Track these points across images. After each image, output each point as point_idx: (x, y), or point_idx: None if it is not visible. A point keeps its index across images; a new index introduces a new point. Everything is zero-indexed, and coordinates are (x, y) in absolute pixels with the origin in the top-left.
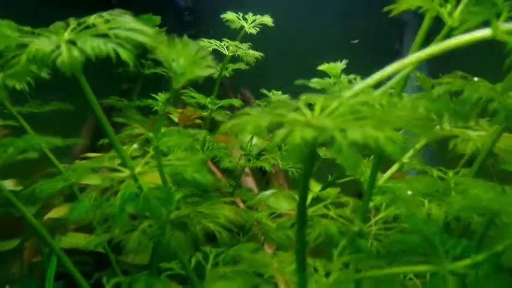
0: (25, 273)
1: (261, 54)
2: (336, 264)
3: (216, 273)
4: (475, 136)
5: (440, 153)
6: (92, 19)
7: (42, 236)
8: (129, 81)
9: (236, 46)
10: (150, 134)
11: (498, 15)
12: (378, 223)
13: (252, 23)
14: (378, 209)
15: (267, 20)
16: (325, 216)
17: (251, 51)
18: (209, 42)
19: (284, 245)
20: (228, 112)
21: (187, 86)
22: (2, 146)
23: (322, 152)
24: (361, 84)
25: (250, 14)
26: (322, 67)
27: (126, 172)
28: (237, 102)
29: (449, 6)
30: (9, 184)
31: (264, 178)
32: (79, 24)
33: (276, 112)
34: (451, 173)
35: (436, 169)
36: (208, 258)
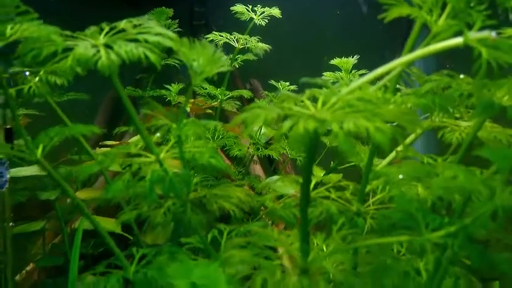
0: (46, 253)
1: (269, 46)
2: (335, 238)
3: (231, 244)
4: (464, 126)
5: (441, 142)
6: (123, 24)
7: (87, 216)
8: (143, 72)
9: (246, 39)
10: (174, 125)
11: (473, 25)
12: (374, 204)
13: (260, 14)
14: (375, 192)
15: (276, 12)
16: (326, 198)
17: (260, 44)
18: (220, 35)
19: (290, 222)
20: (237, 102)
21: None
22: (47, 135)
23: (328, 141)
24: (357, 81)
25: (259, 6)
26: (335, 61)
27: (152, 157)
28: (247, 93)
29: (434, 15)
30: (34, 169)
31: (271, 166)
32: (111, 29)
33: (284, 105)
34: (439, 159)
35: (428, 156)
36: (222, 234)
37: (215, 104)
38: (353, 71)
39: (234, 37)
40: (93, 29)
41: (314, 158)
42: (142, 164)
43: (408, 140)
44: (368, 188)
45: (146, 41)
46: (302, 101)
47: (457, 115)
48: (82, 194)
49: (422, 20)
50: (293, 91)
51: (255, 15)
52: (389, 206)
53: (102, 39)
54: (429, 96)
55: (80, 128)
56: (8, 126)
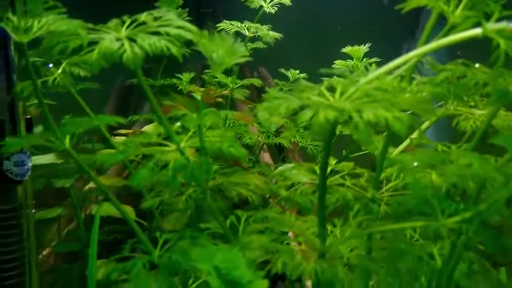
0: (62, 239)
1: (280, 35)
2: (351, 223)
3: (249, 229)
4: (478, 115)
5: (451, 131)
6: (144, 17)
7: (114, 203)
8: (153, 60)
9: (256, 28)
10: (194, 115)
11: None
12: (388, 191)
13: (270, 2)
14: (389, 180)
15: (286, 0)
16: (341, 185)
17: (271, 33)
18: (231, 24)
19: (307, 208)
20: (246, 91)
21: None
22: (75, 124)
23: (338, 130)
24: (375, 72)
25: None
26: (346, 50)
27: (172, 146)
28: (257, 82)
29: (451, 6)
30: (50, 158)
31: (280, 155)
32: (132, 22)
33: (303, 95)
34: (453, 147)
35: (442, 144)
36: (239, 221)
37: (225, 92)
38: (364, 59)
39: (245, 25)
40: (115, 21)
41: (331, 145)
42: (162, 153)
43: (422, 128)
44: (382, 175)
45: (168, 34)
46: (320, 91)
47: (472, 103)
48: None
49: (439, 10)
50: (304, 79)
51: (265, 2)
52: (403, 193)
53: (124, 32)
54: (444, 85)
55: (106, 118)
56: (27, 116)
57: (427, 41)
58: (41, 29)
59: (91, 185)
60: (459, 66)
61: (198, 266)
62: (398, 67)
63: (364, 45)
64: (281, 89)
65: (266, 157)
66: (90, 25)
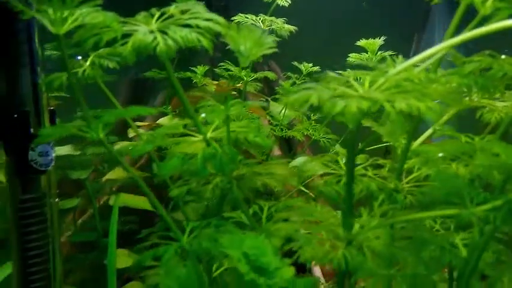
0: (77, 229)
1: (295, 28)
2: (376, 213)
3: (275, 218)
4: (501, 107)
5: (471, 123)
6: (172, 9)
7: (147, 195)
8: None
9: (271, 21)
10: (222, 106)
11: None
12: (410, 182)
13: None
14: (409, 172)
15: None
16: (363, 175)
17: (286, 26)
18: (246, 17)
19: (333, 198)
20: (259, 84)
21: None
22: (110, 115)
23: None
24: (404, 63)
25: None
26: (361, 43)
27: (199, 137)
28: (271, 75)
29: None
30: (67, 149)
31: (289, 149)
32: (161, 15)
33: (331, 86)
34: (477, 139)
35: (465, 135)
36: (263, 210)
37: (239, 86)
38: (379, 53)
39: (260, 18)
40: (143, 14)
41: (357, 136)
42: (189, 143)
43: (444, 119)
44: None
45: (198, 26)
46: (348, 82)
47: (497, 95)
48: (113, 174)
49: (468, 1)
50: (316, 73)
51: None
52: (426, 184)
53: (155, 24)
54: (472, 76)
55: (139, 110)
56: (51, 108)
57: (454, 33)
58: (76, 21)
59: (108, 176)
60: (486, 58)
61: (228, 251)
62: (425, 59)
63: (379, 38)
64: (294, 83)
65: (275, 150)
66: (120, 18)
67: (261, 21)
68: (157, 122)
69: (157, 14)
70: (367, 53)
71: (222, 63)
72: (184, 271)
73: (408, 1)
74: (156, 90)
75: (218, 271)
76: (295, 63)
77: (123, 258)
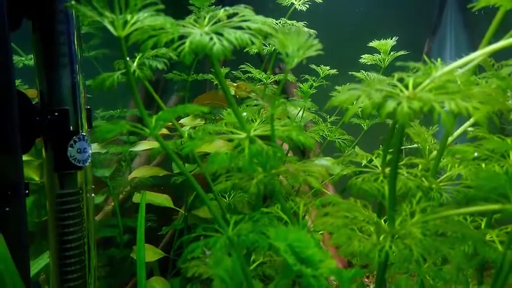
0: (97, 226)
1: (315, 31)
2: (416, 209)
3: (318, 213)
4: None
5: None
6: (221, 13)
7: (198, 191)
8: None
9: (291, 24)
10: (269, 106)
11: None
12: (443, 181)
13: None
14: (441, 170)
15: None
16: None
17: (306, 29)
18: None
19: (373, 195)
20: (275, 86)
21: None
22: (168, 113)
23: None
24: (448, 66)
25: None
26: (374, 44)
27: (242, 134)
28: (291, 77)
29: None
30: (94, 147)
31: (302, 151)
32: (210, 18)
33: (377, 87)
34: (509, 140)
35: (497, 136)
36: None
37: (259, 87)
38: (391, 53)
39: (280, 22)
40: (192, 17)
41: (403, 135)
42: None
43: (471, 121)
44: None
45: (249, 28)
46: (394, 84)
47: None
48: (139, 172)
49: (506, 8)
50: (333, 76)
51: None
52: (457, 182)
53: (208, 27)
54: (509, 79)
55: (191, 108)
56: (88, 107)
57: (490, 40)
58: (135, 24)
59: (134, 174)
60: None
61: (274, 243)
62: (464, 64)
63: (392, 39)
64: (311, 85)
65: (289, 154)
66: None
67: (282, 25)
68: (179, 122)
69: (207, 17)
70: (379, 54)
71: (242, 66)
72: (230, 262)
73: (420, 1)
74: (168, 92)
75: (255, 264)
76: (313, 66)
77: (148, 253)
